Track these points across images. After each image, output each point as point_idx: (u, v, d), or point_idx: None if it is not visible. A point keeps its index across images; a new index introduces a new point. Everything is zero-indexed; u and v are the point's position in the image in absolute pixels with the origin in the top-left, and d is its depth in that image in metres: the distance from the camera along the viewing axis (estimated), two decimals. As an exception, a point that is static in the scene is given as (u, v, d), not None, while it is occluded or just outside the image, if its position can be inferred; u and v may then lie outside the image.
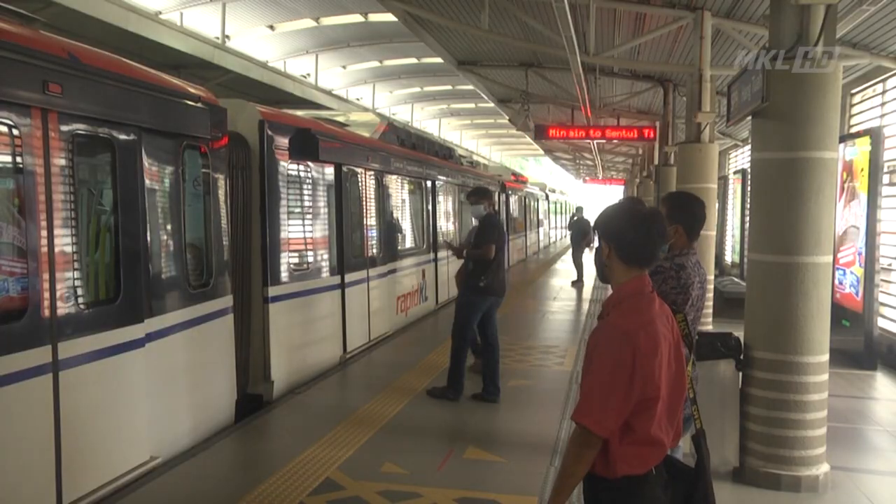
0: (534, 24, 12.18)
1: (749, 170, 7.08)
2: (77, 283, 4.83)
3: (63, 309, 4.67)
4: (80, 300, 4.89)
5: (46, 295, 4.52)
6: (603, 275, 2.96)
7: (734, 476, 5.75)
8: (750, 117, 6.02)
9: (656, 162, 19.84)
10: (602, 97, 19.45)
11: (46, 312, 4.52)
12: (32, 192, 4.43)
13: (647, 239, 2.81)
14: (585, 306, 15.83)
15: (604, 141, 26.74)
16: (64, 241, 4.69)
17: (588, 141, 27.05)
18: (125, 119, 5.32)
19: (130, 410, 5.38)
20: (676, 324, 2.95)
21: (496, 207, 8.81)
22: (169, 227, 5.94)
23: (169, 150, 5.89)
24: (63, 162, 4.70)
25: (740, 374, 5.78)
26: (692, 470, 2.92)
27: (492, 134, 44.82)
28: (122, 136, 5.32)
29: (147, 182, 5.57)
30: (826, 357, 5.59)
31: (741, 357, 5.76)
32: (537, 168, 65.14)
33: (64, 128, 4.72)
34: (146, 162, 5.57)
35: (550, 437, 6.65)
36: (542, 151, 43.15)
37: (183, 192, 6.10)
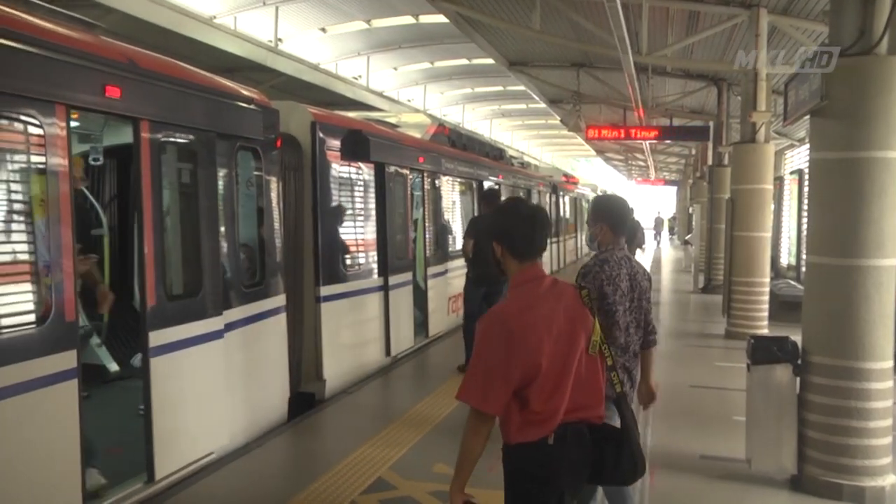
0: (585, 24, 12.09)
1: (806, 170, 6.91)
2: (168, 278, 5.32)
3: (154, 301, 5.11)
4: (169, 293, 5.37)
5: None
6: (500, 269, 3.18)
7: (792, 484, 5.60)
8: (808, 116, 5.88)
9: (710, 162, 19.54)
10: (654, 97, 19.21)
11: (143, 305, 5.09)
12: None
13: (532, 234, 3.08)
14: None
15: (656, 141, 26.46)
16: (157, 240, 5.17)
17: (640, 142, 26.79)
18: (195, 124, 5.59)
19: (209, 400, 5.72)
20: (581, 301, 3.10)
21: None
22: (231, 226, 6.12)
23: (224, 152, 6.00)
24: (151, 167, 5.13)
25: (797, 379, 5.64)
26: (615, 431, 3.15)
27: (543, 135, 44.59)
28: (196, 140, 5.63)
29: (214, 182, 5.84)
30: (890, 363, 5.41)
31: (799, 362, 5.62)
32: (588, 169, 64.61)
33: (147, 135, 5.08)
34: (214, 164, 5.82)
35: (602, 440, 6.58)
36: (593, 152, 42.83)
37: (237, 193, 6.22)
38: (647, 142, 26.59)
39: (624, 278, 4.29)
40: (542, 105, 22.93)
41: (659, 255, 34.89)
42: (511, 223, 3.12)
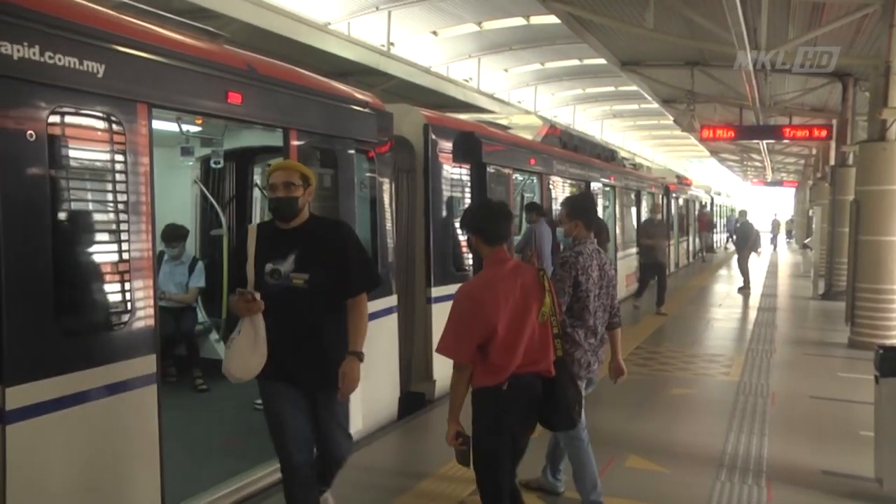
0: (700, 21, 11.77)
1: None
2: None
3: None
4: None
5: None
6: (477, 256, 4.04)
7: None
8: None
9: (832, 163, 18.73)
10: (773, 95, 18.53)
11: None
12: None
13: (498, 225, 3.98)
14: (753, 314, 15.11)
15: (773, 141, 25.52)
16: None
17: (756, 142, 25.90)
18: (322, 129, 5.89)
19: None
20: (537, 280, 3.97)
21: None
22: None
23: (342, 154, 6.20)
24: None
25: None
26: (550, 386, 3.99)
27: (655, 136, 43.75)
28: (322, 144, 5.93)
29: (340, 183, 6.14)
30: None
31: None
32: (701, 169, 62.88)
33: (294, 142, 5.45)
34: (333, 166, 6.09)
35: (716, 448, 6.40)
36: (707, 153, 41.72)
37: (355, 195, 6.41)
38: (765, 141, 25.72)
39: (595, 268, 4.97)
40: (655, 105, 22.50)
41: (775, 259, 33.63)
42: (483, 218, 4.03)
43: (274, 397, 4.12)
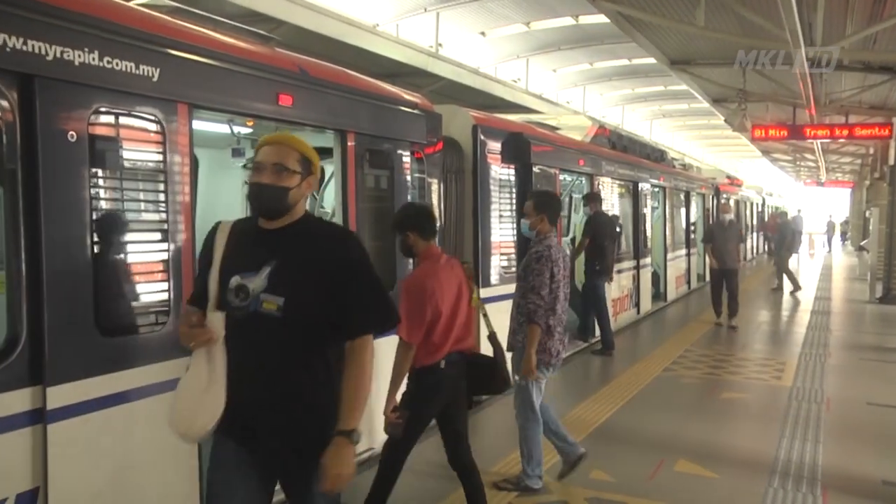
0: (752, 17, 11.55)
1: None
2: None
3: None
4: None
5: None
6: (408, 252, 4.57)
7: None
8: None
9: (891, 162, 18.26)
10: (828, 92, 18.10)
11: None
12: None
13: (432, 222, 4.55)
14: (806, 318, 14.80)
15: (829, 140, 24.96)
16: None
17: (811, 141, 25.36)
18: (392, 134, 6.08)
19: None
20: (463, 271, 4.68)
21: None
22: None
23: (392, 155, 6.25)
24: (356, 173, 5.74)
25: None
26: (490, 359, 4.79)
27: (705, 135, 43.15)
28: (392, 148, 6.10)
29: (389, 184, 6.22)
30: None
31: None
32: (752, 169, 61.84)
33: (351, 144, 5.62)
34: (383, 167, 6.14)
35: (767, 455, 6.28)
36: (758, 153, 41.02)
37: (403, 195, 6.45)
38: (819, 141, 25.20)
39: (561, 260, 5.39)
40: (705, 105, 22.13)
41: (830, 261, 32.93)
42: (417, 217, 4.54)
43: (216, 462, 2.98)
